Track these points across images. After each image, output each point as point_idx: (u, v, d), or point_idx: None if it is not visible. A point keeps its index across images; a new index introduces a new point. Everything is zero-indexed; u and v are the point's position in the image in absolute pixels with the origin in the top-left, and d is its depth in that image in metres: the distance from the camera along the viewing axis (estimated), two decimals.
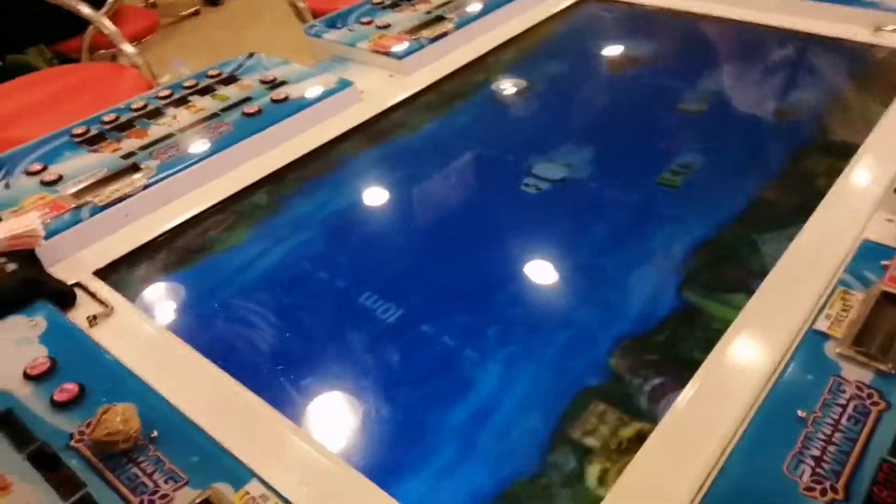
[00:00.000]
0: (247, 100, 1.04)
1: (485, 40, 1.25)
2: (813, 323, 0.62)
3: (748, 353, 0.62)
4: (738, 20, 1.22)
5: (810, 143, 0.95)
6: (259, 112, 1.00)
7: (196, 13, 3.47)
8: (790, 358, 0.60)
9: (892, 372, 0.57)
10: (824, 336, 0.61)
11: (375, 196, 0.94)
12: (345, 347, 0.71)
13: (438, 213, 0.92)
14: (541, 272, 0.79)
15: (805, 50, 1.16)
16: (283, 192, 0.94)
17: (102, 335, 0.69)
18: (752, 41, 1.21)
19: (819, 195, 0.79)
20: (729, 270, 0.76)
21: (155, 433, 0.57)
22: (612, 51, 1.26)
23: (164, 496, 0.52)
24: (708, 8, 1.26)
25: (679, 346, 0.67)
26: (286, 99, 1.03)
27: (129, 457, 0.55)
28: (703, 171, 0.91)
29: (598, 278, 0.77)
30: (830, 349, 0.59)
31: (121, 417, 0.54)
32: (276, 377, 0.67)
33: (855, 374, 0.57)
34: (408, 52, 1.15)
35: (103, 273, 0.79)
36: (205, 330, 0.73)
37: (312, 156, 0.99)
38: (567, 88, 1.16)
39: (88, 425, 0.57)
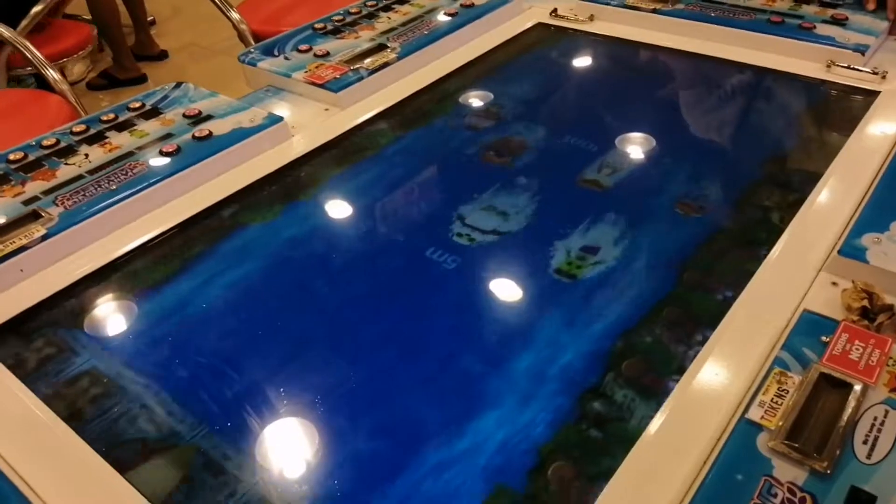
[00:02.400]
0: (167, 136, 0.98)
1: (429, 71, 1.19)
2: (746, 411, 0.57)
3: (672, 442, 0.57)
4: (688, 51, 1.18)
5: (753, 195, 0.89)
6: (178, 151, 0.94)
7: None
8: (719, 452, 0.55)
9: (828, 472, 0.52)
10: (757, 427, 0.56)
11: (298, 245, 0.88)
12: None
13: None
14: None
15: (755, 85, 1.13)
16: (194, 245, 0.87)
17: None
18: (700, 73, 1.17)
19: (759, 257, 0.74)
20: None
21: None
22: (561, 85, 1.22)
23: None
24: (657, 38, 1.22)
25: None
26: (209, 136, 0.97)
27: None
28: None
29: None
30: (763, 442, 0.55)
31: None
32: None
33: (788, 473, 0.53)
34: (344, 85, 1.09)
35: None
36: (96, 409, 0.66)
37: (235, 198, 0.93)
38: (510, 127, 1.11)
39: None
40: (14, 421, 0.63)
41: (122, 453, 0.61)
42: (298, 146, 1.01)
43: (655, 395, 0.63)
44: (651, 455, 0.57)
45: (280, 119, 1.02)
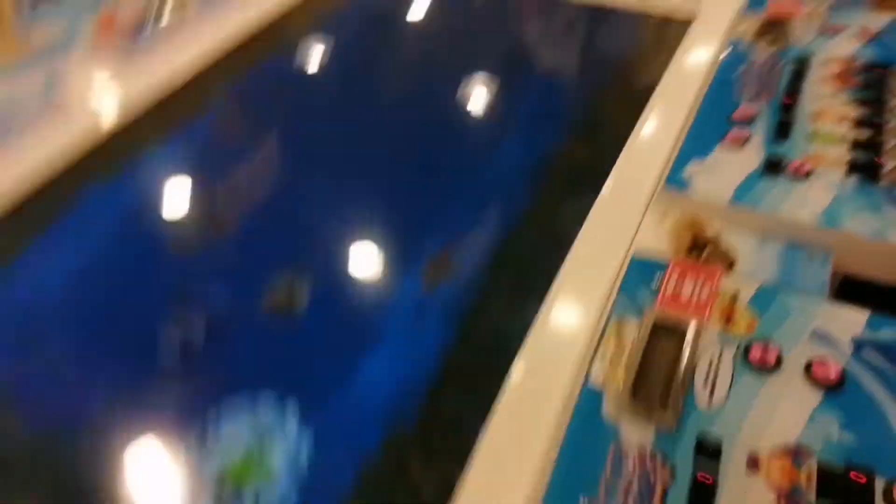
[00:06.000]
0: None
1: None
2: (587, 374, 0.54)
3: (521, 426, 0.53)
4: None
5: (576, 141, 0.87)
6: None
7: None
8: (568, 425, 0.51)
9: (673, 429, 0.50)
10: (599, 393, 0.53)
11: None
12: None
13: None
14: None
15: (551, 17, 1.09)
16: None
17: None
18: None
19: (588, 203, 0.71)
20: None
21: None
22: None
23: None
24: None
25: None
26: None
27: None
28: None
29: None
30: (607, 408, 0.52)
31: None
32: None
33: (636, 436, 0.50)
34: None
35: None
36: None
37: None
38: None
39: None
40: None
41: None
42: None
43: None
44: (502, 435, 0.53)
45: None
